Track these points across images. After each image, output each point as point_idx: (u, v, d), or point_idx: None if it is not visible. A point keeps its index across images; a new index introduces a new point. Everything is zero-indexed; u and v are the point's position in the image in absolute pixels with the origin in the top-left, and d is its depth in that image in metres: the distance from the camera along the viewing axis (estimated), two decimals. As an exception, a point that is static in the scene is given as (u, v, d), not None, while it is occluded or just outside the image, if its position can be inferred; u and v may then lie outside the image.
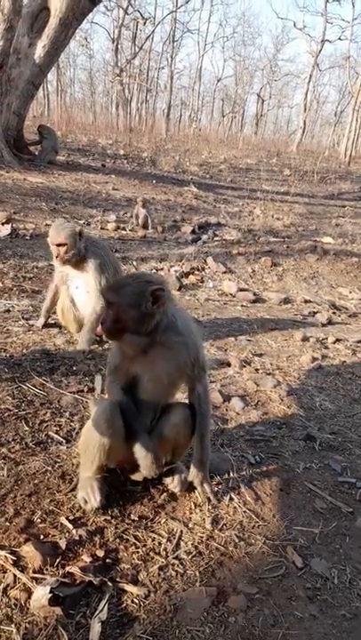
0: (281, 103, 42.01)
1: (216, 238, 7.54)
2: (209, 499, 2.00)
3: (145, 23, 25.43)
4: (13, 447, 2.17)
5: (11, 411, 2.43)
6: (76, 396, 2.67)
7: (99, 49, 52.74)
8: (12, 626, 1.40)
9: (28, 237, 5.88)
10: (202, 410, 1.96)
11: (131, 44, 27.60)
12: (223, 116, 37.17)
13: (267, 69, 37.14)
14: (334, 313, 5.21)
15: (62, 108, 24.80)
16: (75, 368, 3.01)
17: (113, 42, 24.75)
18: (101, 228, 7.07)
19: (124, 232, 7.12)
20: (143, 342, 1.77)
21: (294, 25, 29.20)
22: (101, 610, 1.47)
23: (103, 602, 1.49)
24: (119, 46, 24.83)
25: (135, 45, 27.20)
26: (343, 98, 35.95)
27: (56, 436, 2.31)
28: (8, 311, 3.82)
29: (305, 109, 26.11)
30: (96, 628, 1.41)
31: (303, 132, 26.20)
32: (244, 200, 10.62)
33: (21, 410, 2.46)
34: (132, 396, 1.90)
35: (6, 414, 2.39)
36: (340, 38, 28.93)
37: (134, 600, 1.54)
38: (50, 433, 2.32)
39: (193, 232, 7.66)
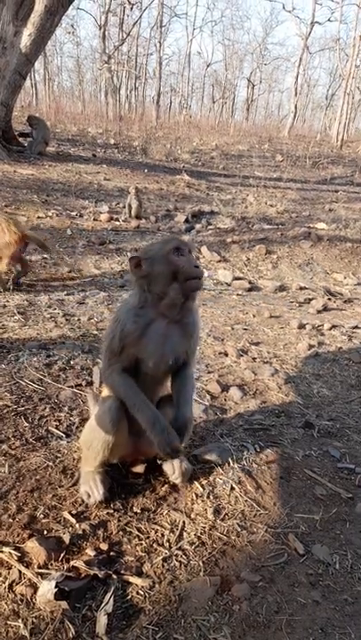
0: (271, 87, 41.64)
1: (210, 227, 7.52)
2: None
3: (132, 8, 25.02)
4: (14, 443, 2.17)
5: (10, 407, 2.43)
6: (74, 390, 2.68)
7: (86, 36, 52.36)
8: (19, 621, 1.41)
9: (20, 231, 5.83)
10: (190, 383, 1.96)
11: (118, 31, 27.16)
12: (214, 102, 36.80)
13: (256, 53, 36.75)
14: (330, 299, 5.22)
15: (50, 97, 24.48)
16: (72, 362, 3.01)
17: (100, 28, 24.34)
18: (94, 220, 7.02)
19: (117, 223, 7.08)
20: None
21: (283, 7, 28.76)
22: (107, 602, 1.48)
23: (108, 594, 1.51)
24: (106, 33, 24.43)
25: (122, 31, 26.75)
26: (334, 81, 35.68)
27: (56, 430, 2.31)
28: (4, 306, 3.80)
29: (296, 93, 25.84)
30: (102, 620, 1.43)
31: (295, 116, 25.95)
32: (237, 187, 10.56)
33: (20, 406, 2.46)
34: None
35: (5, 410, 2.39)
36: (329, 20, 28.61)
37: (139, 592, 1.55)
38: (50, 428, 2.33)
39: (186, 221, 7.62)
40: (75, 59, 34.96)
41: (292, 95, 26.43)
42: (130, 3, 24.38)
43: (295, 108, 25.64)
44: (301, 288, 5.56)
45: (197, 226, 7.43)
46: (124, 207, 7.49)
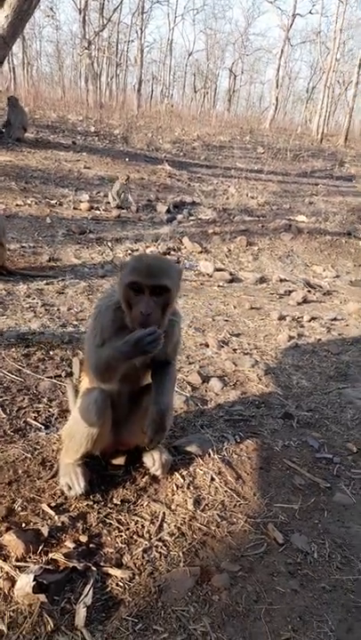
0: (253, 79, 41.54)
1: (191, 218, 7.48)
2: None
3: (113, -7, 24.52)
4: (-9, 435, 2.13)
5: (-14, 398, 2.38)
6: (53, 380, 2.64)
7: (65, 20, 51.26)
8: (-3, 615, 1.39)
9: (-3, 218, 5.70)
10: (170, 378, 1.89)
11: (98, 16, 26.61)
12: (195, 92, 36.53)
13: (238, 43, 36.51)
14: (309, 291, 5.26)
15: (29, 82, 23.94)
16: (51, 353, 2.96)
17: (80, 12, 23.81)
18: (74, 208, 6.91)
19: (97, 212, 6.98)
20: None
21: (266, -3, 28.62)
22: (86, 594, 1.47)
23: (88, 587, 1.50)
24: (87, 18, 23.90)
25: (103, 17, 26.23)
26: (315, 74, 35.72)
27: (35, 422, 2.27)
28: (-20, 295, 3.72)
29: (277, 85, 25.84)
30: (81, 612, 1.41)
31: (276, 108, 25.98)
32: (219, 178, 10.53)
33: (-2, 397, 2.41)
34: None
35: (-18, 402, 2.34)
36: (310, 12, 28.63)
37: (119, 583, 1.54)
38: (28, 419, 2.29)
39: (168, 211, 7.57)
40: (54, 43, 34.19)
41: (273, 87, 26.41)
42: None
43: (276, 100, 25.68)
44: (282, 280, 5.59)
45: (179, 216, 7.38)
46: (105, 196, 7.39)
